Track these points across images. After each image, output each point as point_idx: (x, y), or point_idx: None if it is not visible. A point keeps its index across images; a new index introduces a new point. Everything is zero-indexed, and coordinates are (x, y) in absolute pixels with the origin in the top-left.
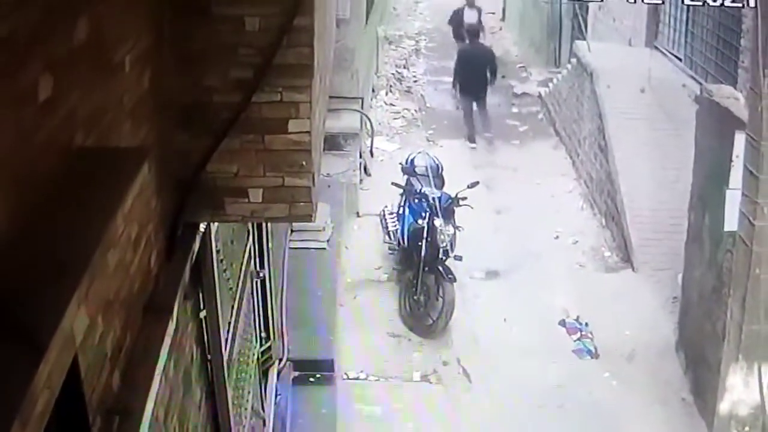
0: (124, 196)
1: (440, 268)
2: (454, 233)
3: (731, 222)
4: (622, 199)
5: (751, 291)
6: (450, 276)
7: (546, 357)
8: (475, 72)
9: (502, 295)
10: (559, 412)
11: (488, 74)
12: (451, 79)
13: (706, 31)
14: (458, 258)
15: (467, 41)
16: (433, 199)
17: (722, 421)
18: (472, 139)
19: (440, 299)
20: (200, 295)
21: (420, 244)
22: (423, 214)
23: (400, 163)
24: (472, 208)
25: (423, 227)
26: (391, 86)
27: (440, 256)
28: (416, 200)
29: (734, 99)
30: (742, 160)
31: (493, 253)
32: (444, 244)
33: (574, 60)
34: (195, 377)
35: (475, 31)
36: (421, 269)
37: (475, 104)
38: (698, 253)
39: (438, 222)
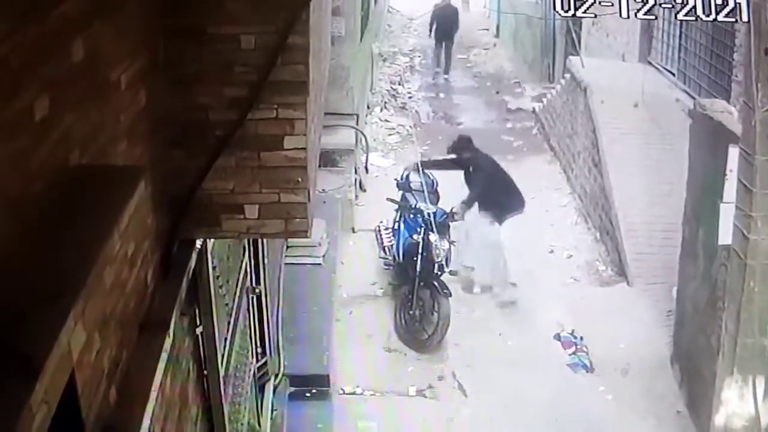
0: (121, 214)
1: (435, 283)
2: (450, 248)
3: (725, 235)
4: (617, 214)
5: (745, 304)
6: (445, 291)
7: (541, 371)
8: (444, 24)
9: (497, 310)
10: (555, 426)
11: (452, 27)
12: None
13: (699, 45)
14: (453, 273)
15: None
16: (429, 214)
17: None
18: (436, 64)
19: (435, 314)
20: (197, 311)
21: (415, 259)
22: (418, 230)
23: (395, 179)
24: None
25: (418, 242)
26: (386, 103)
27: (435, 270)
28: (411, 216)
29: (728, 113)
30: (735, 174)
31: (488, 268)
32: (439, 259)
33: (567, 75)
34: (191, 393)
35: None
36: (417, 284)
37: (444, 45)
38: (692, 266)
39: (433, 237)
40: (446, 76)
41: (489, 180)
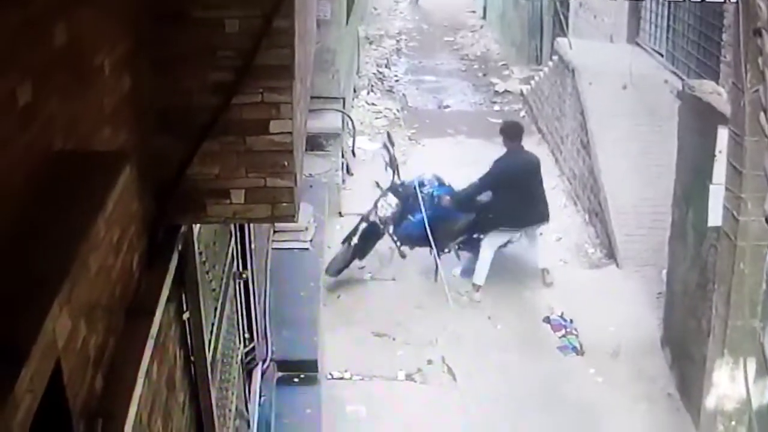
0: (105, 200)
1: None
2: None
3: (715, 217)
4: (606, 196)
5: (735, 286)
6: None
7: (531, 354)
8: None
9: (487, 293)
10: (545, 409)
11: None
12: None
13: (687, 26)
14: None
15: None
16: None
17: (708, 416)
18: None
19: None
20: (183, 297)
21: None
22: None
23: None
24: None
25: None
26: (372, 86)
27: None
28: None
29: (716, 94)
30: (725, 155)
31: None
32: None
33: (555, 57)
34: (178, 379)
35: None
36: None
37: None
38: (682, 248)
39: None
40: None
41: (512, 189)
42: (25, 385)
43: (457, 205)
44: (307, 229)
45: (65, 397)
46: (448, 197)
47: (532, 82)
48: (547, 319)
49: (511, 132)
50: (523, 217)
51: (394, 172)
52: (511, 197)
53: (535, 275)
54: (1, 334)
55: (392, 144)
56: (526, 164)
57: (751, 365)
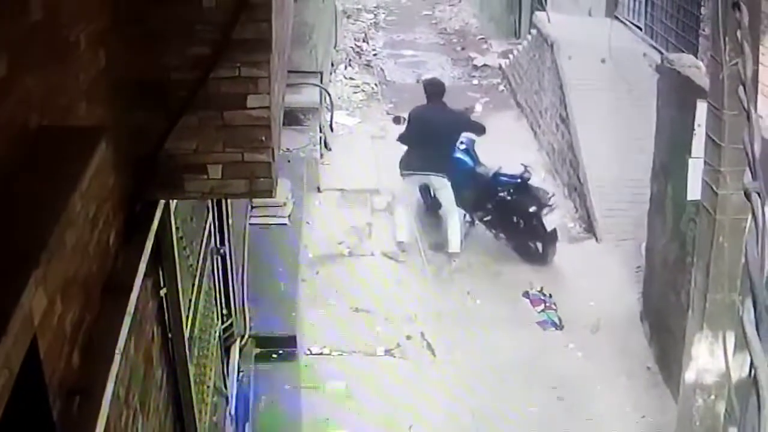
0: (81, 175)
1: None
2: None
3: (694, 191)
4: (585, 170)
5: (714, 260)
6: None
7: (510, 329)
8: None
9: (466, 268)
10: (524, 384)
11: None
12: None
13: (666, 0)
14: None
15: None
16: None
17: (687, 389)
18: None
19: None
20: (160, 273)
21: None
22: None
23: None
24: None
25: None
26: (350, 60)
27: None
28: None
29: (695, 68)
30: (704, 128)
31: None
32: None
33: (534, 31)
34: (156, 356)
35: None
36: None
37: None
38: (662, 222)
39: None
40: None
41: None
42: (1, 361)
43: None
44: (285, 204)
45: (42, 374)
46: None
47: (511, 56)
48: (526, 294)
49: (432, 89)
50: (421, 163)
51: None
52: (415, 141)
53: (516, 251)
54: None
55: None
56: (436, 118)
57: (731, 339)
